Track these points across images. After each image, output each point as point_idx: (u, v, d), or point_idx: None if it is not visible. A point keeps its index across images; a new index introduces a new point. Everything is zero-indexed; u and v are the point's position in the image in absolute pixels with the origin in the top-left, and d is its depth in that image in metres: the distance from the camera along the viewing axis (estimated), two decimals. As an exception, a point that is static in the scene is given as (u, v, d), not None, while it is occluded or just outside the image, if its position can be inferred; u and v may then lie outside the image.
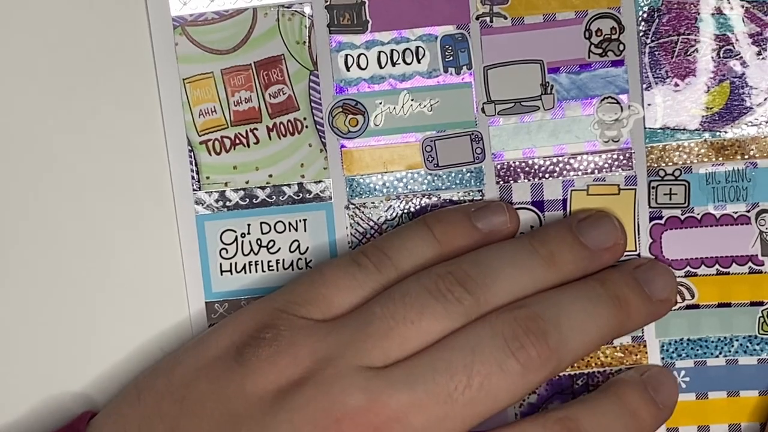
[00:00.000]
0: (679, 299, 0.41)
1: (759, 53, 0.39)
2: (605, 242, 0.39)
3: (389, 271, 0.37)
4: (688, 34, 0.39)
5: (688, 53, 0.39)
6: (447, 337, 0.36)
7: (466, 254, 0.38)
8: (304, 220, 0.41)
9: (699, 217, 0.40)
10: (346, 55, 0.40)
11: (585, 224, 0.39)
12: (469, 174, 0.40)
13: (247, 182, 0.40)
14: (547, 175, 0.40)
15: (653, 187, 0.40)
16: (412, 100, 0.40)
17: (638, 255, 0.40)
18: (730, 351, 0.41)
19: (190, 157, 0.40)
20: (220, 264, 0.41)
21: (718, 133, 0.40)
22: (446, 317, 0.36)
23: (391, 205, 0.40)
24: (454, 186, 0.40)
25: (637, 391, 0.38)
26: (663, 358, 0.41)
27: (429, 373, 0.34)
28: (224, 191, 0.40)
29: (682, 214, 0.40)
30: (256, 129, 0.40)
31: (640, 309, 0.38)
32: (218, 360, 0.36)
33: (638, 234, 0.40)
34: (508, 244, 0.38)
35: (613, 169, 0.40)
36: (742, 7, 0.39)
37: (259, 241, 0.41)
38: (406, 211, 0.40)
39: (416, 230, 0.38)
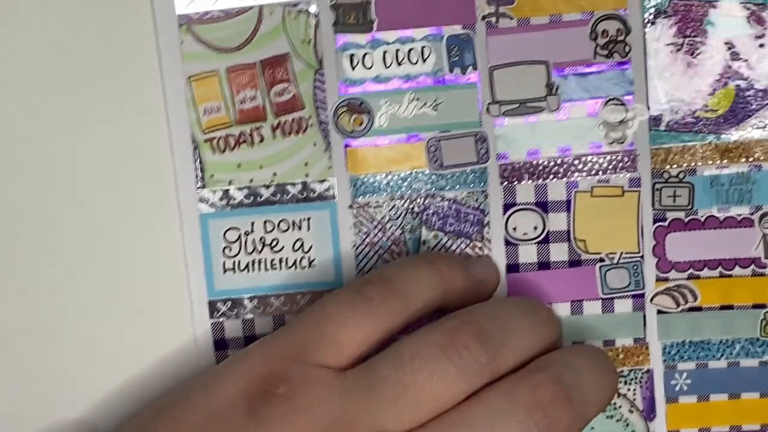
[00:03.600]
0: (681, 302, 0.41)
1: (765, 56, 0.39)
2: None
3: (396, 303, 0.35)
4: (694, 36, 0.39)
5: (694, 55, 0.39)
6: (462, 406, 0.33)
7: (480, 305, 0.36)
8: (308, 219, 0.41)
9: (702, 219, 0.40)
10: (351, 55, 0.40)
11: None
12: (473, 174, 0.40)
13: (251, 181, 0.40)
14: (551, 176, 0.40)
15: (657, 189, 0.40)
16: (416, 99, 0.40)
17: (641, 257, 0.40)
18: (732, 353, 0.41)
19: (195, 155, 0.40)
20: (224, 262, 0.41)
21: (722, 136, 0.40)
22: (460, 379, 0.33)
23: (395, 205, 0.40)
24: (458, 186, 0.40)
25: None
26: (665, 360, 0.41)
27: None
28: (228, 189, 0.40)
29: (685, 217, 0.40)
30: (261, 127, 0.40)
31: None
32: (229, 411, 0.34)
33: (641, 236, 0.40)
34: (512, 299, 0.38)
35: (618, 170, 0.40)
36: (748, 9, 0.39)
37: (262, 240, 0.41)
38: (410, 210, 0.40)
39: (420, 262, 0.37)
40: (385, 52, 0.40)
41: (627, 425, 0.41)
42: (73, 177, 0.40)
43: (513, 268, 0.41)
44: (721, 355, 0.41)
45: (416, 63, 0.40)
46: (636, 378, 0.41)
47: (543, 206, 0.40)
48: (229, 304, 0.41)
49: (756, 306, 0.41)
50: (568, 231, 0.40)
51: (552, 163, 0.40)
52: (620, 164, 0.40)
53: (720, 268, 0.40)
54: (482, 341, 0.34)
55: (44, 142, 0.40)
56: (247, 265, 0.41)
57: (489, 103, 0.40)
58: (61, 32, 0.39)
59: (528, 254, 0.41)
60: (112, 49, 0.39)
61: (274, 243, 0.41)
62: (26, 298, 0.41)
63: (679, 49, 0.39)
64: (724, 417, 0.41)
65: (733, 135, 0.40)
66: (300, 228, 0.41)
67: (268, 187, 0.40)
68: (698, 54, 0.39)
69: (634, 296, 0.41)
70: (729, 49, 0.39)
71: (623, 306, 0.41)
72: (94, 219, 0.40)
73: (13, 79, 0.40)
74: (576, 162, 0.40)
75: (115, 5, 0.39)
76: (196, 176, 0.40)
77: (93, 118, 0.40)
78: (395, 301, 0.35)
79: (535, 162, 0.40)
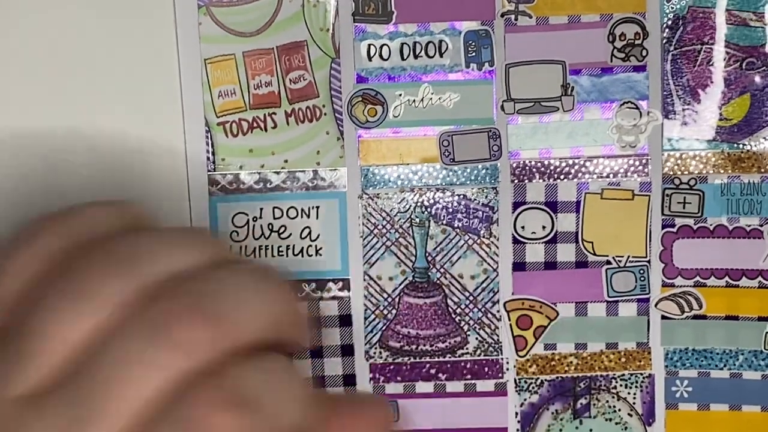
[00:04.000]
0: (686, 309, 0.41)
1: (782, 67, 0.39)
2: None
3: None
4: (712, 44, 0.39)
5: (711, 63, 0.39)
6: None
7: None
8: (317, 207, 0.41)
9: (712, 227, 0.40)
10: (369, 45, 0.40)
11: None
12: (484, 171, 0.40)
13: (262, 166, 0.40)
14: (562, 177, 0.40)
15: (667, 195, 0.40)
16: (432, 93, 0.40)
17: (648, 262, 0.40)
18: (734, 364, 0.41)
19: (207, 137, 0.40)
20: (230, 247, 0.41)
21: (735, 145, 0.40)
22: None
23: (404, 198, 0.40)
24: (468, 182, 0.40)
25: None
26: (667, 366, 0.41)
27: None
28: (239, 174, 0.40)
29: (694, 224, 0.40)
30: (275, 113, 0.40)
31: None
32: None
33: (649, 241, 0.40)
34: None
35: (629, 174, 0.40)
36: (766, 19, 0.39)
37: (270, 226, 0.41)
38: (419, 203, 0.40)
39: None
40: (402, 44, 0.40)
41: (626, 428, 0.41)
42: (86, 157, 0.40)
43: (520, 266, 0.41)
44: (724, 365, 0.41)
45: (433, 56, 0.40)
46: (637, 382, 0.41)
47: (552, 206, 0.40)
48: (233, 288, 0.41)
49: (761, 318, 0.40)
50: (577, 232, 0.40)
51: (563, 164, 0.40)
52: (632, 168, 0.40)
53: (727, 278, 0.40)
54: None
55: (57, 118, 0.40)
56: (254, 251, 0.41)
57: (504, 101, 0.40)
58: (78, 10, 0.39)
59: (535, 253, 0.41)
60: (131, 29, 0.39)
61: (282, 230, 0.41)
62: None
63: (696, 56, 0.39)
64: (724, 428, 0.41)
65: (746, 145, 0.40)
66: (308, 216, 0.41)
67: (278, 173, 0.40)
68: (715, 62, 0.39)
69: (638, 300, 0.41)
70: (746, 58, 0.39)
71: (627, 310, 0.41)
72: (103, 195, 0.40)
73: (35, 60, 0.40)
74: (587, 163, 0.40)
75: (136, -17, 0.39)
76: (208, 159, 0.40)
77: (108, 97, 0.40)
78: None
79: (546, 161, 0.40)
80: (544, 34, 0.39)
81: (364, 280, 0.41)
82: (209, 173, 0.40)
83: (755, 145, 0.40)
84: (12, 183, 0.40)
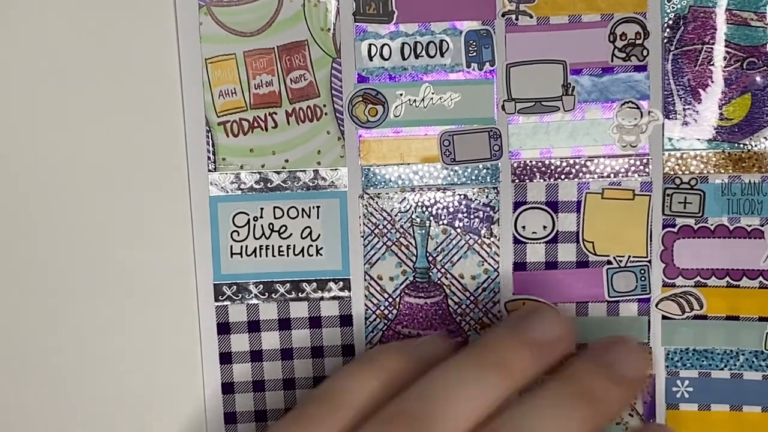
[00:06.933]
0: (687, 309, 0.41)
1: (783, 66, 0.39)
2: (551, 336, 0.36)
3: (338, 413, 0.35)
4: (713, 44, 0.39)
5: (712, 62, 0.39)
6: None
7: (412, 387, 0.35)
8: (318, 207, 0.41)
9: (712, 227, 0.40)
10: (370, 45, 0.40)
11: (527, 321, 0.37)
12: (485, 170, 0.40)
13: (263, 166, 0.40)
14: (563, 176, 0.40)
15: (668, 195, 0.40)
16: (433, 93, 0.40)
17: (649, 262, 0.40)
18: (735, 365, 0.41)
19: (208, 137, 0.40)
20: (231, 246, 0.41)
21: (736, 145, 0.40)
22: None
23: (405, 197, 0.40)
24: (469, 182, 0.40)
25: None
26: (667, 366, 0.41)
27: None
28: (239, 173, 0.40)
29: (695, 224, 0.40)
30: (275, 113, 0.40)
31: (615, 396, 0.35)
32: None
33: (650, 241, 0.40)
34: (451, 362, 0.36)
35: (629, 174, 0.40)
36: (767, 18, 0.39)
37: (271, 226, 0.41)
38: (420, 203, 0.40)
39: (360, 365, 0.37)
40: (403, 44, 0.40)
41: (626, 429, 0.41)
42: (86, 156, 0.40)
43: (520, 266, 0.41)
44: (725, 366, 0.41)
45: (434, 56, 0.40)
46: (638, 382, 0.41)
47: (553, 206, 0.40)
48: (234, 288, 0.41)
49: (762, 319, 0.40)
50: (577, 232, 0.40)
51: (564, 164, 0.40)
52: (632, 167, 0.40)
53: (727, 278, 0.40)
54: (414, 427, 0.33)
55: (61, 121, 0.40)
56: (254, 250, 0.41)
57: (504, 100, 0.40)
58: (80, 9, 0.39)
59: (536, 253, 0.41)
60: (132, 28, 0.39)
61: (283, 229, 0.41)
62: (38, 278, 0.41)
63: (697, 56, 0.39)
64: (725, 428, 0.41)
65: (747, 145, 0.40)
66: (309, 216, 0.41)
67: (279, 173, 0.40)
68: (716, 61, 0.39)
69: (639, 300, 0.41)
70: (747, 57, 0.39)
71: (628, 309, 0.41)
72: (106, 199, 0.40)
73: (38, 63, 0.40)
74: (588, 163, 0.40)
75: (137, -17, 0.39)
76: (208, 159, 0.40)
77: (108, 96, 0.40)
78: (338, 412, 0.35)
79: (547, 161, 0.40)
80: (545, 34, 0.39)
81: (365, 280, 0.41)
82: (210, 173, 0.40)
83: (756, 145, 0.39)
84: (11, 183, 0.40)
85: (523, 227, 0.41)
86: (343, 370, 0.38)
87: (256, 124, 0.40)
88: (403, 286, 0.41)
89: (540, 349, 0.36)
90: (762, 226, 0.40)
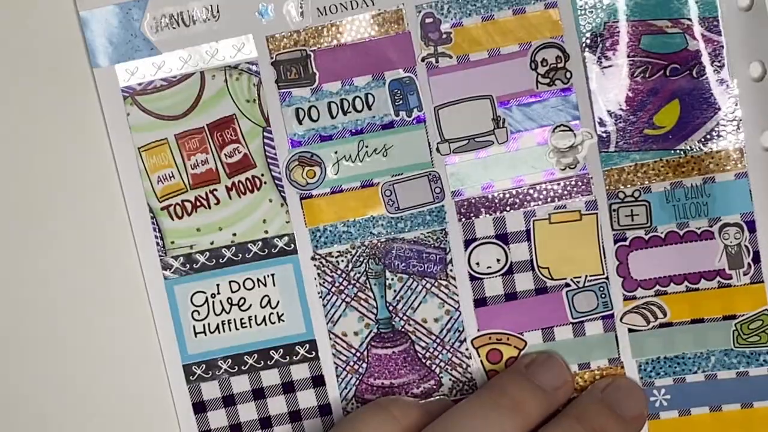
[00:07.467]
0: (651, 318, 0.41)
1: (704, 69, 0.39)
2: (557, 382, 0.40)
3: None
4: (633, 56, 0.39)
5: (635, 75, 0.39)
6: None
7: (435, 422, 0.38)
8: (272, 275, 0.41)
9: (663, 235, 0.40)
10: (297, 109, 0.40)
11: (535, 367, 0.40)
12: (430, 214, 0.40)
13: (212, 243, 0.41)
14: (508, 208, 0.40)
15: (614, 210, 0.40)
16: (366, 146, 0.40)
17: (607, 279, 0.40)
18: (707, 366, 0.41)
19: (153, 223, 0.40)
20: (194, 326, 0.41)
21: (673, 152, 0.40)
22: None
23: (356, 252, 0.41)
24: (417, 227, 0.41)
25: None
26: (642, 378, 0.41)
27: None
28: (190, 254, 0.41)
29: (645, 234, 0.40)
30: (216, 190, 0.40)
31: None
32: None
33: (604, 258, 0.40)
34: (472, 402, 0.38)
35: (573, 195, 0.40)
36: (684, 24, 0.39)
37: (229, 300, 0.41)
38: (372, 256, 0.41)
39: (373, 410, 0.39)
40: (330, 103, 0.40)
41: None
42: (35, 256, 0.40)
43: (481, 302, 0.41)
44: (698, 369, 0.41)
45: (362, 110, 0.40)
46: (611, 401, 0.41)
47: (503, 238, 0.41)
48: (203, 366, 0.41)
49: (726, 317, 0.40)
50: (531, 260, 0.41)
51: (507, 195, 0.40)
52: (575, 189, 0.40)
53: (686, 283, 0.40)
54: None
55: (7, 227, 0.40)
56: (217, 327, 0.41)
57: (438, 143, 0.40)
58: (9, 115, 0.40)
59: (494, 287, 0.41)
60: (61, 128, 0.40)
61: (242, 302, 0.41)
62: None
63: (619, 70, 0.39)
64: (707, 430, 0.41)
65: (683, 150, 0.40)
66: (265, 285, 0.41)
67: (229, 247, 0.41)
68: (639, 73, 0.39)
69: (603, 317, 0.41)
70: (669, 65, 0.39)
71: (594, 328, 0.41)
72: (60, 295, 0.41)
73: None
74: (531, 191, 0.40)
75: (59, 85, 0.39)
76: (157, 244, 0.40)
77: (49, 196, 0.40)
78: None
79: (490, 195, 0.40)
80: (468, 72, 0.40)
81: (330, 338, 0.41)
82: (161, 257, 0.41)
83: (692, 149, 0.40)
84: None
85: (477, 263, 0.41)
86: (355, 416, 0.39)
87: (198, 204, 0.40)
88: (368, 339, 0.41)
89: (553, 393, 0.39)
90: (711, 226, 0.40)
